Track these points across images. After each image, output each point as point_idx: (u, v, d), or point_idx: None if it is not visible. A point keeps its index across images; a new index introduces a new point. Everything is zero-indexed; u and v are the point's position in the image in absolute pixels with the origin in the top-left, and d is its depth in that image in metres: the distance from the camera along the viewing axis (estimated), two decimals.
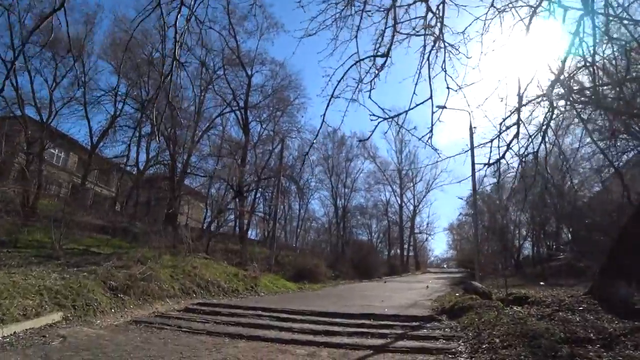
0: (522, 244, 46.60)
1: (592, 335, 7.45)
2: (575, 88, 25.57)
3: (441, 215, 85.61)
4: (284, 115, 33.90)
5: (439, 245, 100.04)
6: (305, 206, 47.64)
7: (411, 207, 56.38)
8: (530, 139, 10.57)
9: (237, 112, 30.13)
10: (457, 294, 18.01)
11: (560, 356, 6.39)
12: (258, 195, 37.37)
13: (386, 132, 46.72)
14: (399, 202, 54.72)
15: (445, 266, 79.03)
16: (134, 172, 32.35)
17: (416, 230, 57.79)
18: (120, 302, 11.11)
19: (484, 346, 7.57)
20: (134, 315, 10.80)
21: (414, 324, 10.16)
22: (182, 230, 17.16)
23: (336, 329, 9.39)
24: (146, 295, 12.16)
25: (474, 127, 20.88)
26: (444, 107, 21.10)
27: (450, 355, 7.39)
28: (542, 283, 19.21)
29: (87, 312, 9.73)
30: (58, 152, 34.76)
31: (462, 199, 54.81)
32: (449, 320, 10.59)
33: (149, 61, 29.38)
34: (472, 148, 21.63)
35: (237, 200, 27.00)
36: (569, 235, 41.82)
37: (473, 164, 19.82)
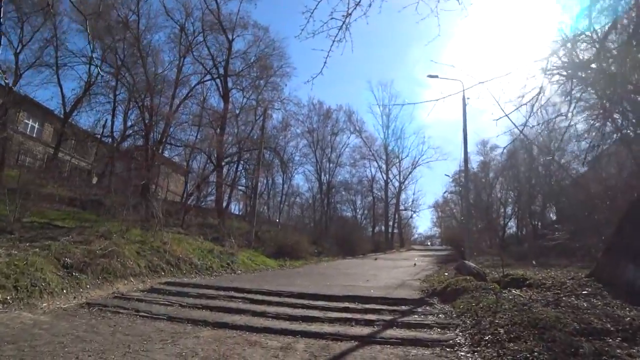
0: (507, 223, 46.47)
1: (609, 326, 6.47)
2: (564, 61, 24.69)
3: (427, 192, 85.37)
4: (268, 86, 32.36)
5: (424, 223, 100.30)
6: (289, 181, 46.42)
7: (397, 184, 55.55)
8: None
9: (218, 80, 28.51)
10: (446, 273, 17.17)
11: (583, 353, 5.36)
12: (240, 168, 36.07)
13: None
14: (385, 178, 53.80)
15: (429, 243, 79.04)
16: (114, 144, 30.63)
17: (401, 207, 57.13)
18: (74, 282, 9.84)
19: (487, 337, 6.53)
20: (89, 296, 9.59)
21: (403, 307, 9.12)
22: (154, 202, 15.76)
23: (316, 314, 8.30)
24: (106, 273, 10.91)
25: (467, 98, 19.82)
26: (435, 76, 19.80)
27: (448, 349, 6.32)
28: (534, 262, 18.44)
29: (32, 294, 8.45)
30: (32, 122, 32.88)
31: (448, 176, 54.59)
32: (442, 303, 9.58)
33: (123, 23, 27.40)
34: (464, 118, 20.63)
35: (216, 171, 25.63)
36: (554, 215, 41.71)
37: (465, 134, 18.80)
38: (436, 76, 20.60)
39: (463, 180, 52.85)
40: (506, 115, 16.10)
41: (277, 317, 8.07)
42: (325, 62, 5.35)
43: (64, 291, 9.30)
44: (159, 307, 8.80)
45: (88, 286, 10.05)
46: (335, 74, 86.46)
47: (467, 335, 6.94)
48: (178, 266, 13.68)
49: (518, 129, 21.76)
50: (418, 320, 7.95)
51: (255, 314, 8.27)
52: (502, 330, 6.62)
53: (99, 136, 32.78)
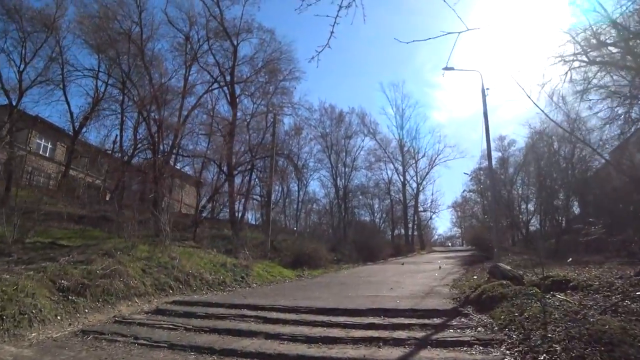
0: (530, 219, 44.93)
1: None
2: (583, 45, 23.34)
3: (446, 192, 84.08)
4: (277, 91, 31.54)
5: (443, 224, 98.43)
6: (305, 187, 45.49)
7: (414, 185, 54.21)
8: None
9: (225, 88, 27.77)
10: (474, 277, 15.99)
11: None
12: (253, 176, 35.28)
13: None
14: (402, 179, 52.54)
15: (450, 244, 77.48)
16: (123, 159, 30.11)
17: (420, 209, 55.63)
18: (70, 307, 8.99)
19: (542, 358, 5.47)
20: (87, 322, 8.73)
21: (435, 321, 8.05)
22: (163, 216, 14.94)
23: (337, 333, 7.29)
24: (107, 295, 10.05)
25: (487, 89, 18.73)
26: (451, 68, 18.70)
27: None
28: (569, 260, 17.14)
29: (19, 324, 7.59)
30: (45, 142, 32.72)
31: (467, 174, 53.02)
32: (479, 313, 8.50)
33: (126, 35, 26.87)
34: (485, 109, 19.46)
35: (227, 181, 24.84)
36: (577, 209, 40.07)
37: (487, 125, 17.70)
38: (452, 68, 19.41)
39: (482, 178, 51.88)
40: (534, 102, 14.94)
41: (293, 339, 7.08)
42: (332, 32, 4.40)
43: (58, 318, 8.45)
44: (161, 332, 7.89)
45: (86, 310, 9.19)
46: (345, 76, 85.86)
47: (515, 354, 5.88)
48: (187, 282, 12.78)
49: (545, 114, 20.50)
50: (455, 337, 6.89)
51: (268, 336, 7.29)
52: (559, 348, 5.55)
53: (109, 152, 32.33)
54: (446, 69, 20.55)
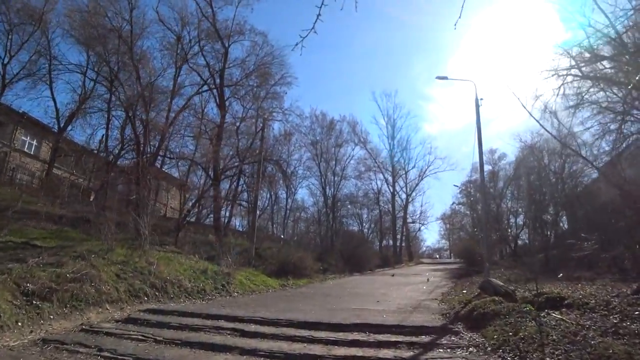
0: (519, 233, 44.79)
1: None
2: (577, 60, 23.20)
3: (435, 204, 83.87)
4: (268, 96, 31.04)
5: (431, 235, 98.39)
6: (293, 195, 44.95)
7: (404, 196, 53.84)
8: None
9: (215, 90, 27.19)
10: (464, 291, 15.55)
11: None
12: (241, 182, 34.66)
13: None
14: (391, 190, 52.13)
15: (437, 257, 77.16)
16: (108, 159, 29.30)
17: (409, 220, 55.26)
18: (34, 312, 8.34)
19: None
20: (51, 329, 8.11)
21: (424, 339, 7.54)
22: (142, 218, 14.30)
23: (319, 350, 6.75)
24: (76, 300, 9.40)
25: (481, 99, 18.44)
26: (445, 77, 18.44)
27: None
28: (560, 275, 16.74)
29: None
30: (30, 139, 31.79)
31: (457, 186, 52.86)
32: (469, 331, 8.03)
33: (117, 33, 26.25)
34: (478, 120, 19.12)
35: (212, 185, 24.21)
36: (565, 224, 39.99)
37: (479, 136, 17.36)
38: (446, 77, 19.21)
39: (472, 191, 51.72)
40: (529, 112, 14.61)
41: (270, 355, 6.53)
42: (318, 15, 3.89)
43: (19, 324, 7.80)
44: (129, 343, 7.29)
45: (51, 317, 8.54)
46: (337, 85, 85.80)
47: None
48: (164, 289, 12.15)
49: (539, 123, 20.21)
50: (445, 358, 6.40)
51: (244, 352, 6.72)
52: None
53: (95, 151, 31.51)
54: (440, 78, 20.46)
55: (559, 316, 7.84)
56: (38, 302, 8.63)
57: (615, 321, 7.26)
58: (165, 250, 17.43)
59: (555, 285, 13.31)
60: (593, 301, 8.92)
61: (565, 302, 9.07)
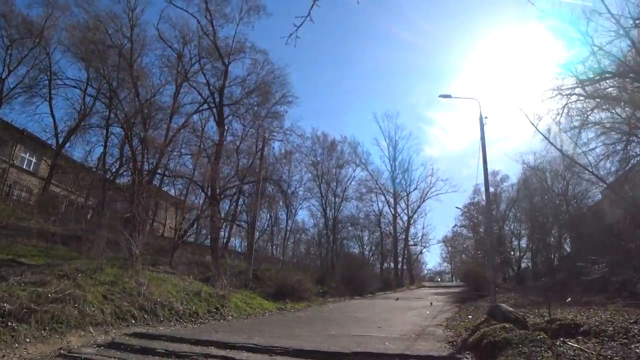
0: (522, 256, 44.14)
1: None
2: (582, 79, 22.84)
3: (437, 226, 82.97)
4: (269, 115, 30.72)
5: (433, 258, 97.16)
6: (293, 216, 44.28)
7: (405, 218, 53.07)
8: None
9: (215, 109, 26.85)
10: (469, 316, 14.85)
11: None
12: (240, 202, 34.10)
13: None
14: (393, 212, 51.40)
15: (439, 280, 76.03)
16: (105, 176, 28.83)
17: (410, 242, 54.36)
18: (9, 335, 7.70)
19: None
20: (26, 354, 7.47)
21: None
22: (135, 237, 13.73)
23: None
24: (57, 323, 8.76)
25: (485, 117, 17.99)
26: (448, 95, 18.08)
27: None
28: (569, 300, 16.02)
29: None
30: (29, 156, 31.42)
31: (459, 208, 52.13)
32: None
33: (118, 50, 26.14)
34: (482, 137, 18.63)
35: (209, 204, 23.63)
36: (568, 246, 39.34)
37: (484, 154, 16.84)
38: (449, 96, 18.79)
39: (474, 214, 51.01)
40: (536, 128, 14.10)
41: None
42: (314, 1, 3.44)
43: None
44: None
45: (27, 340, 7.90)
46: (339, 106, 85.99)
47: None
48: (154, 312, 11.49)
49: (547, 139, 19.71)
50: None
51: None
52: None
53: (93, 169, 31.08)
54: (443, 96, 20.09)
55: (576, 345, 7.23)
56: (14, 324, 8.01)
57: (638, 351, 6.68)
58: (159, 271, 16.80)
59: (566, 310, 12.66)
60: (611, 328, 8.34)
61: (581, 329, 8.47)
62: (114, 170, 27.68)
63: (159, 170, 25.93)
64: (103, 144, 29.04)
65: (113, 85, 26.08)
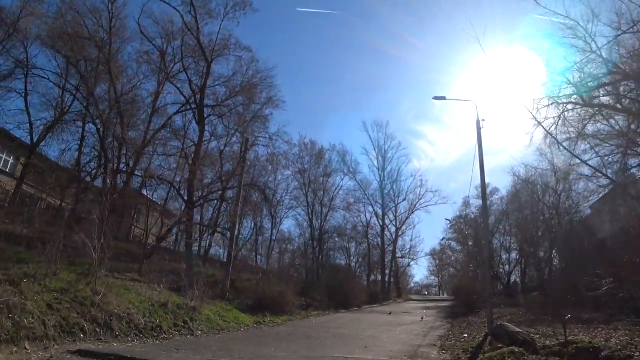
0: (512, 270, 43.27)
1: None
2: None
3: (425, 238, 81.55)
4: (254, 119, 29.27)
5: (420, 271, 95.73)
6: (278, 225, 42.61)
7: (393, 229, 51.63)
8: None
9: (197, 111, 25.39)
10: (465, 335, 13.57)
11: None
12: (223, 209, 32.49)
13: None
14: (381, 223, 49.94)
15: (426, 293, 74.75)
16: (79, 176, 27.10)
17: (398, 254, 52.85)
18: None
19: None
20: None
21: None
22: (94, 240, 12.21)
23: None
24: None
25: (483, 120, 16.92)
26: (443, 97, 17.00)
27: None
28: (568, 317, 14.78)
29: None
30: (6, 156, 29.60)
31: (449, 220, 50.94)
32: None
33: (97, 44, 24.67)
34: (479, 141, 17.51)
35: (186, 208, 22.13)
36: (557, 260, 38.51)
37: (481, 158, 15.74)
38: (444, 98, 17.71)
39: (463, 227, 49.96)
40: (538, 122, 12.94)
41: None
42: None
43: None
44: None
45: None
46: (327, 116, 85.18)
47: None
48: (109, 326, 10.00)
49: (548, 133, 18.68)
50: None
51: None
52: None
53: (69, 168, 29.36)
54: (437, 98, 18.99)
55: None
56: None
57: None
58: (125, 278, 15.31)
59: (568, 328, 11.46)
60: (638, 354, 7.12)
61: (602, 354, 7.23)
62: (89, 170, 25.99)
63: (136, 172, 24.32)
64: (78, 142, 27.41)
65: (90, 81, 24.55)
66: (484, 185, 15.25)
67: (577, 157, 22.35)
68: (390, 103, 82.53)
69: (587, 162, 22.93)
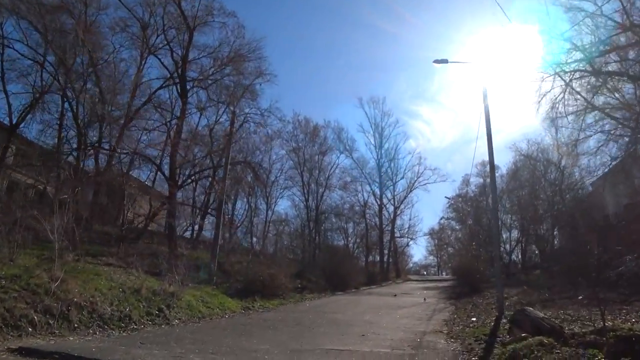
0: (513, 248, 42.23)
1: None
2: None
3: (424, 217, 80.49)
4: (244, 94, 27.56)
5: (419, 251, 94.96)
6: (273, 206, 41.28)
7: (391, 209, 50.30)
8: None
9: (178, 79, 23.73)
10: (473, 319, 12.32)
11: None
12: (214, 190, 30.96)
13: None
14: (379, 202, 48.67)
15: (424, 273, 73.90)
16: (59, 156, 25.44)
17: (397, 234, 51.59)
18: None
19: None
20: None
21: None
22: (55, 219, 10.81)
23: None
24: None
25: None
26: (445, 60, 15.53)
27: None
28: (581, 297, 13.55)
29: None
30: None
31: (448, 198, 49.65)
32: None
33: (70, 14, 22.92)
34: (486, 108, 16.11)
35: (168, 186, 20.69)
36: (558, 239, 37.57)
37: (488, 123, 14.38)
38: (445, 60, 16.21)
39: (462, 205, 48.76)
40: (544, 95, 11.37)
41: None
42: None
43: None
44: None
45: None
46: (322, 94, 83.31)
47: None
48: (66, 316, 8.65)
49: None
50: None
51: None
52: None
53: (46, 149, 27.72)
54: (438, 61, 17.48)
55: None
56: None
57: None
58: (99, 263, 13.98)
59: (583, 310, 10.19)
60: None
61: None
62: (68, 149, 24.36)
63: (106, 148, 22.57)
64: (58, 122, 25.73)
65: (65, 55, 22.81)
66: (490, 150, 13.84)
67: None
68: (386, 82, 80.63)
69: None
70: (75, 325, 8.66)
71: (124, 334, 9.02)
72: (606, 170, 24.99)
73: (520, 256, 42.01)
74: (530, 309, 7.94)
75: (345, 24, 78.03)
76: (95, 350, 6.99)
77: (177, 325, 10.55)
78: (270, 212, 40.49)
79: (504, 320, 10.27)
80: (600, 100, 22.32)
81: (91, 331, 8.75)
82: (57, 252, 10.32)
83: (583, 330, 7.04)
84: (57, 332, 8.19)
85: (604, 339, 6.29)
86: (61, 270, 9.73)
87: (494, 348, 7.08)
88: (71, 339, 8.00)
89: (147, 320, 10.31)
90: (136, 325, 9.76)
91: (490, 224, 43.38)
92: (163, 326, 10.23)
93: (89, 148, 20.08)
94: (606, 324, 7.10)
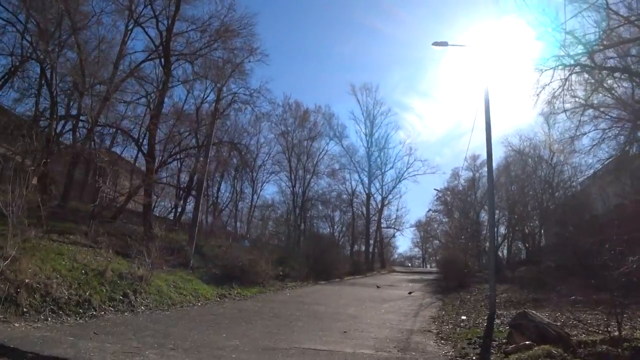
0: (500, 244, 41.85)
1: None
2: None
3: (411, 209, 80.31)
4: (233, 73, 26.32)
5: (404, 243, 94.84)
6: (259, 190, 40.33)
7: (379, 198, 49.60)
8: None
9: (162, 50, 22.42)
10: (463, 317, 11.61)
11: None
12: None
13: None
14: (367, 191, 47.91)
15: (409, 265, 73.72)
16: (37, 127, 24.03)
17: (383, 225, 50.91)
18: None
19: None
20: None
21: None
22: (8, 194, 9.76)
23: None
24: None
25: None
26: (445, 43, 14.71)
27: None
28: (573, 298, 12.85)
29: None
30: None
31: (437, 190, 49.06)
32: None
33: None
34: (486, 94, 15.27)
35: (145, 162, 19.56)
36: (542, 236, 37.34)
37: (487, 105, 13.57)
38: (445, 43, 15.31)
39: (451, 198, 48.26)
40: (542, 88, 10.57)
41: None
42: None
43: None
44: None
45: None
46: (314, 79, 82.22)
47: None
48: (13, 300, 7.69)
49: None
50: None
51: None
52: None
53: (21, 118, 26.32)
54: (437, 44, 16.59)
55: None
56: None
57: None
58: (65, 241, 12.97)
59: (578, 311, 9.44)
60: None
61: None
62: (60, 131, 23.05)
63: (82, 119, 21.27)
64: (44, 94, 24.34)
65: (44, 17, 21.40)
66: (489, 137, 13.05)
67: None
68: (378, 76, 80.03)
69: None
70: (25, 309, 7.71)
71: (80, 321, 8.10)
72: (598, 169, 24.55)
73: (506, 252, 41.74)
74: (533, 312, 7.16)
75: (337, 23, 77.40)
76: (37, 340, 6.08)
77: (142, 313, 9.63)
78: (255, 197, 39.69)
79: (498, 321, 9.56)
80: (597, 98, 21.77)
81: (42, 317, 7.80)
82: (12, 227, 9.29)
83: (591, 338, 6.27)
84: (1, 316, 7.25)
85: (619, 350, 5.55)
86: (14, 248, 8.74)
87: (490, 354, 6.31)
88: (16, 325, 7.07)
89: (109, 306, 9.37)
90: (96, 311, 8.82)
91: (477, 218, 43.33)
92: (126, 313, 9.31)
93: (62, 118, 18.77)
94: (626, 333, 6.37)
